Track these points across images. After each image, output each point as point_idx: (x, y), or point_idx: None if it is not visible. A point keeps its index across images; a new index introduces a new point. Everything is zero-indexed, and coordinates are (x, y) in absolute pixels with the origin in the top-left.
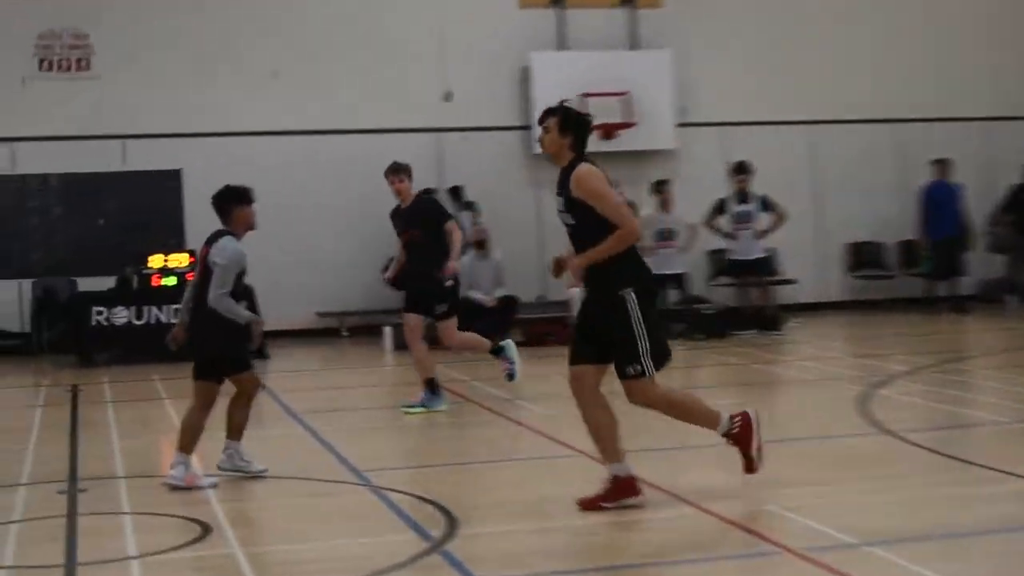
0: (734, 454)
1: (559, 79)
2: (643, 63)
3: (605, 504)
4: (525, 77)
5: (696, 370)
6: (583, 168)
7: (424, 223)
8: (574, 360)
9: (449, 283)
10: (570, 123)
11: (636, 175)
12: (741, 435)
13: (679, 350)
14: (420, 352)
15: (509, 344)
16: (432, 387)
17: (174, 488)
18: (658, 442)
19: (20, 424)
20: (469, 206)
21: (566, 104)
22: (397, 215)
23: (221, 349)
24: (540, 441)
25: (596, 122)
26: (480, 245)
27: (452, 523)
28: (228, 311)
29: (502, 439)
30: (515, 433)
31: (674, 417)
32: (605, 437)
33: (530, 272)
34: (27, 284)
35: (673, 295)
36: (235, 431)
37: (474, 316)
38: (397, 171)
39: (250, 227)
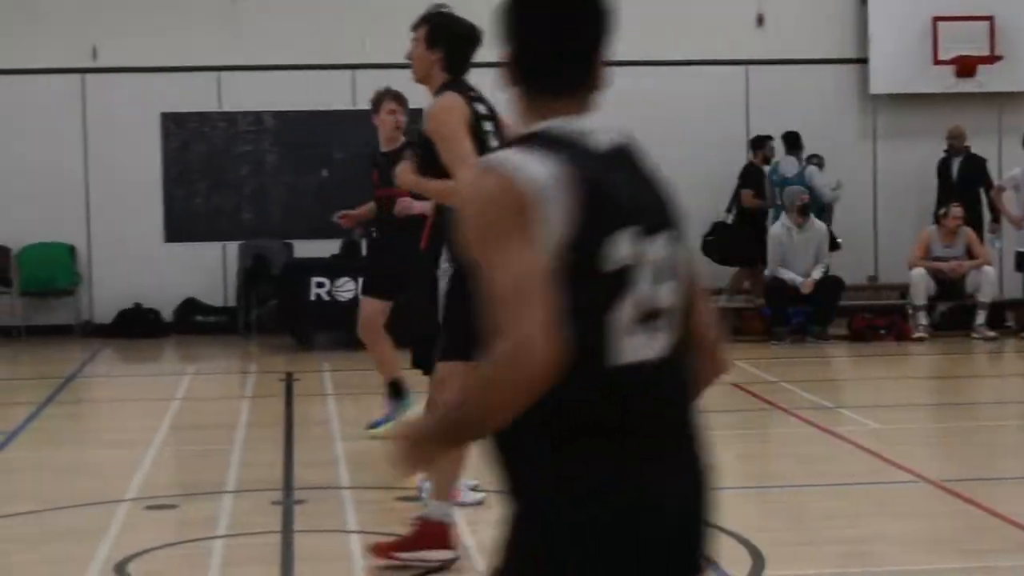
0: None
1: None
2: None
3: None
4: None
5: None
6: (443, 98)
7: None
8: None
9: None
10: (440, 33)
11: (1001, 124)
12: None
13: None
14: (382, 347)
15: (407, 403)
16: (398, 390)
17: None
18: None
19: (225, 420)
20: (817, 162)
21: (442, 9)
22: (380, 162)
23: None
24: (870, 462)
25: (950, 55)
26: (802, 211)
27: (758, 562)
28: None
29: (820, 458)
30: (837, 450)
31: None
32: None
33: (862, 246)
34: (233, 248)
35: None
36: None
37: (786, 301)
38: (400, 99)
39: None
